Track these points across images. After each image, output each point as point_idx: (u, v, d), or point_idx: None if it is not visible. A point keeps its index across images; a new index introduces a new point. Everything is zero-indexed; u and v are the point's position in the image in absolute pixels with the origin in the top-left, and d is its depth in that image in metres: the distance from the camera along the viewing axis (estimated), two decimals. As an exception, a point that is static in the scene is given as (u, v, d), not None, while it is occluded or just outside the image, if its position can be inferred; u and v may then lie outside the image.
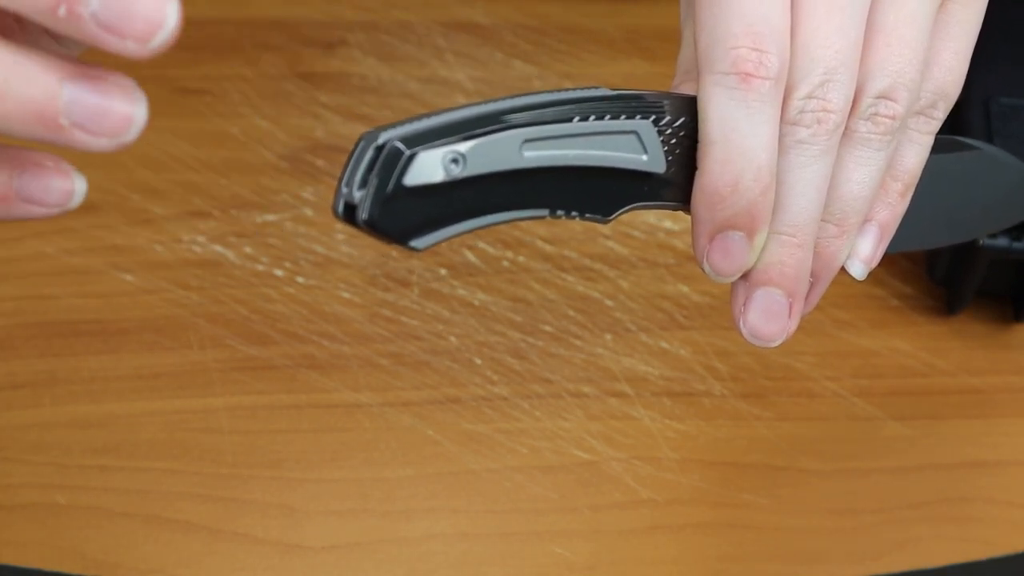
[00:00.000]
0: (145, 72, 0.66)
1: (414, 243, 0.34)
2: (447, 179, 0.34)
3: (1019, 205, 0.49)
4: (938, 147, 0.43)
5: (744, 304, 0.40)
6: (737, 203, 0.37)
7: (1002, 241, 0.56)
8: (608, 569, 0.52)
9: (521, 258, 0.60)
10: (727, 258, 0.39)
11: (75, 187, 0.34)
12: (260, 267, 0.58)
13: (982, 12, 0.42)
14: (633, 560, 0.52)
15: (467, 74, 0.66)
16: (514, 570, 0.51)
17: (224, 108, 0.63)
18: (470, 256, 0.60)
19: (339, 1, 0.69)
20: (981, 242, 0.56)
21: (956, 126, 0.58)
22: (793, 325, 0.40)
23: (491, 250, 0.60)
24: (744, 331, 0.40)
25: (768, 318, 0.40)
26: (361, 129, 0.64)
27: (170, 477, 0.52)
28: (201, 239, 0.59)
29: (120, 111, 0.33)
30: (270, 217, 0.60)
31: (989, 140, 0.57)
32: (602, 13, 0.70)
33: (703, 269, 0.39)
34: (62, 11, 0.31)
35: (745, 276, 0.40)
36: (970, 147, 0.46)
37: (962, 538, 0.54)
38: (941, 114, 0.41)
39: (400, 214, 0.34)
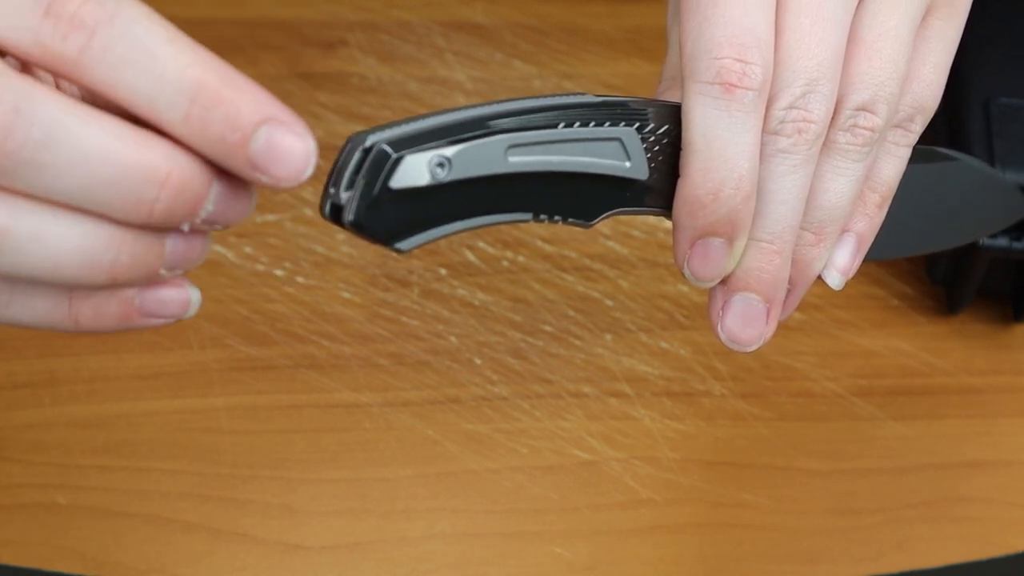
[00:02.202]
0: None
1: (399, 244, 0.35)
2: (433, 182, 0.35)
3: (998, 215, 0.50)
4: (916, 158, 0.43)
5: (722, 309, 0.40)
6: (718, 210, 0.38)
7: (1002, 241, 0.56)
8: (608, 569, 0.52)
9: (521, 258, 0.60)
10: (707, 264, 0.39)
11: (191, 298, 0.36)
12: (260, 267, 0.58)
13: (962, 27, 0.42)
14: (633, 560, 0.52)
15: (467, 74, 0.66)
16: (514, 570, 0.51)
17: (224, 108, 0.63)
18: (470, 256, 0.60)
19: (339, 1, 0.69)
20: (981, 242, 0.56)
21: (955, 127, 0.58)
22: (770, 330, 0.40)
23: (491, 250, 0.60)
24: (722, 335, 0.40)
25: (746, 323, 0.40)
26: (361, 129, 0.64)
27: (170, 477, 0.52)
28: (201, 239, 0.59)
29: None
30: (270, 217, 0.60)
31: (989, 141, 0.57)
32: (602, 13, 0.70)
33: (683, 274, 0.39)
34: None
35: (724, 281, 0.40)
36: (948, 157, 0.46)
37: (962, 538, 0.54)
38: (918, 127, 0.41)
39: (386, 216, 0.34)
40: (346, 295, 0.58)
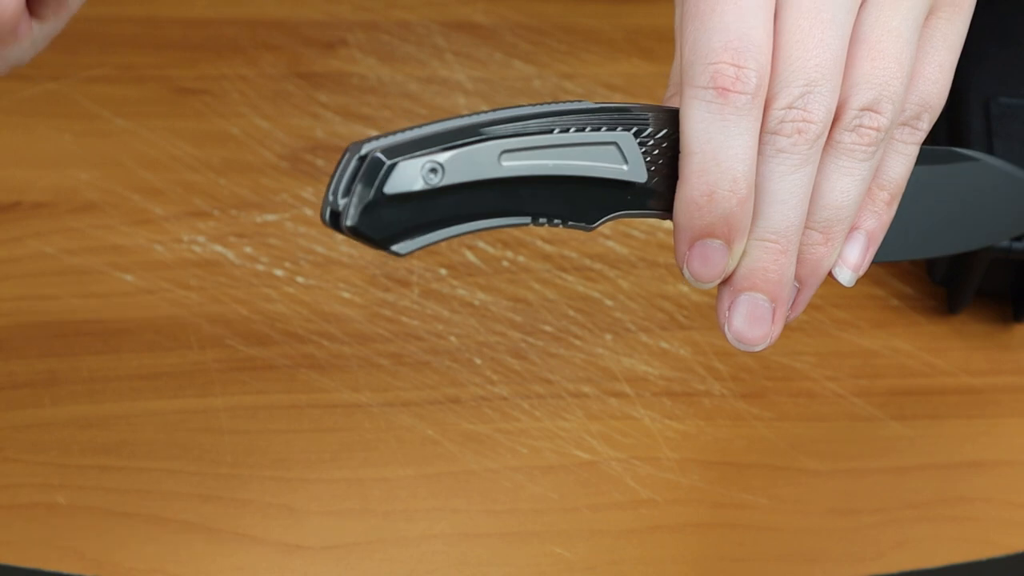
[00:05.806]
0: (145, 72, 0.66)
1: (396, 248, 0.36)
2: (426, 187, 0.36)
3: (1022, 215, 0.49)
4: (934, 158, 0.43)
5: (729, 308, 0.40)
6: (713, 212, 0.38)
7: (1002, 241, 0.56)
8: (608, 569, 0.52)
9: (521, 258, 0.60)
10: (706, 265, 0.39)
11: None
12: (260, 267, 0.58)
13: (966, 26, 0.42)
14: (633, 560, 0.52)
15: (467, 74, 0.66)
16: (514, 570, 0.51)
17: (224, 108, 0.63)
18: (470, 256, 0.60)
19: (339, 1, 0.69)
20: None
21: (955, 127, 0.58)
22: (777, 330, 0.40)
23: (491, 250, 0.60)
24: (729, 335, 0.40)
25: (752, 322, 0.40)
26: (361, 129, 0.64)
27: (170, 477, 0.52)
28: (201, 239, 0.59)
29: None
30: (270, 217, 0.60)
31: (989, 141, 0.57)
32: (602, 13, 0.70)
33: (684, 275, 0.40)
34: None
35: (730, 281, 0.40)
36: (968, 158, 0.46)
37: (962, 538, 0.54)
38: (926, 125, 0.42)
39: (382, 220, 0.36)
40: (346, 295, 0.58)
